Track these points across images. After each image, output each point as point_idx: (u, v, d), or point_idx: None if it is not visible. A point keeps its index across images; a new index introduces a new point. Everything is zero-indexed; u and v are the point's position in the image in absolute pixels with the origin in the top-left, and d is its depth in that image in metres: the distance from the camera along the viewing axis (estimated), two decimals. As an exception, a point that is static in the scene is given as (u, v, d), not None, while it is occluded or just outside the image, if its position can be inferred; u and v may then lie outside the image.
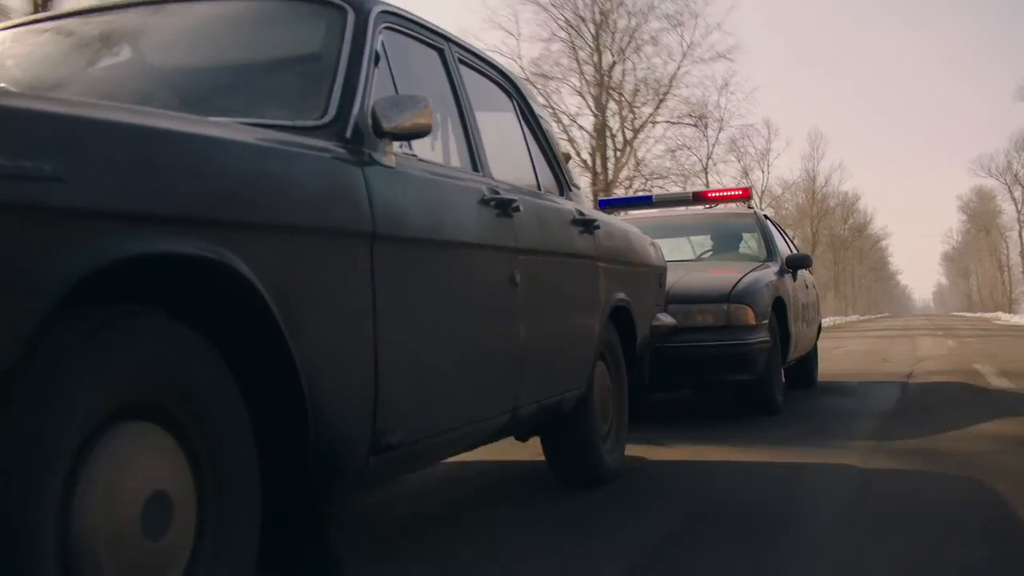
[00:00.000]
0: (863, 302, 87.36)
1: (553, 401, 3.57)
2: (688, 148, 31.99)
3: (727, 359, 5.88)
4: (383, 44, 2.76)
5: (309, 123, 2.40)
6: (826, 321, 30.59)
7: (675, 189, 27.71)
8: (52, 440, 1.50)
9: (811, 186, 60.50)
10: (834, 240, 67.62)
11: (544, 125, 4.14)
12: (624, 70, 30.45)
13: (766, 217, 8.29)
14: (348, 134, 2.44)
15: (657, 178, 29.68)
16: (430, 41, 3.21)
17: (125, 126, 1.74)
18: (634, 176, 29.71)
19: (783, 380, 6.76)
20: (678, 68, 30.75)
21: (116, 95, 2.48)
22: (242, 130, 2.12)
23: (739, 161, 40.18)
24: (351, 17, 2.70)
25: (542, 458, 4.10)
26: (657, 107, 30.64)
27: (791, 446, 5.08)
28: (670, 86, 30.69)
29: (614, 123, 30.40)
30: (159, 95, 2.61)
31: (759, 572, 2.81)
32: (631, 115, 30.60)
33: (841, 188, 69.90)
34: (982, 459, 4.47)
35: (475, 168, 3.23)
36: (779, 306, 6.61)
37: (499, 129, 3.74)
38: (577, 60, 30.03)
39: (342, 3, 2.73)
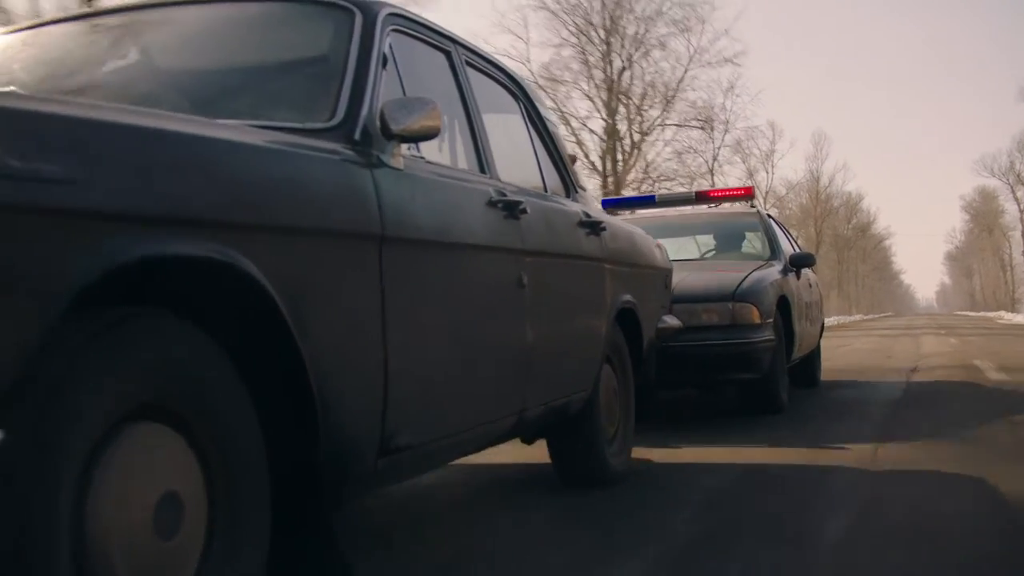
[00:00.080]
0: (866, 301, 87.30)
1: (560, 403, 3.57)
2: (695, 150, 32.55)
3: (732, 358, 5.88)
4: (391, 46, 2.77)
5: (318, 125, 2.41)
6: (830, 320, 30.86)
7: (680, 190, 27.85)
8: (64, 441, 1.50)
9: (815, 186, 60.57)
10: (838, 240, 67.64)
11: (550, 127, 4.14)
12: (632, 75, 31.12)
13: (769, 216, 8.28)
14: (357, 136, 2.44)
15: (664, 180, 30.15)
16: (437, 43, 3.22)
17: (135, 128, 1.75)
18: (643, 179, 30.09)
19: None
20: (685, 72, 31.37)
21: (124, 98, 2.48)
22: (251, 132, 2.13)
23: (744, 163, 40.29)
24: (359, 19, 2.70)
25: (546, 460, 4.11)
26: (664, 110, 31.26)
27: (798, 439, 5.16)
28: (677, 89, 31.32)
29: (622, 126, 30.97)
30: (168, 98, 2.62)
31: (763, 572, 2.81)
32: (639, 118, 31.24)
33: (845, 188, 70.21)
34: (979, 442, 4.98)
35: (482, 170, 3.24)
36: (783, 305, 6.61)
37: (506, 131, 3.74)
38: (587, 65, 30.69)
39: (350, 5, 2.73)
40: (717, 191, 9.26)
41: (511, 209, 3.15)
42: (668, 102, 31.28)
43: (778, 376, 6.31)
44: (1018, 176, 67.46)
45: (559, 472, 4.10)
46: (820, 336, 8.87)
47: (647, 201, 8.95)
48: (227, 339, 1.89)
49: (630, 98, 31.09)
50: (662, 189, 28.72)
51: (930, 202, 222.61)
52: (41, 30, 3.05)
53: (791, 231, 10.32)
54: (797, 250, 8.29)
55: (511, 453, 4.49)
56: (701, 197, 8.63)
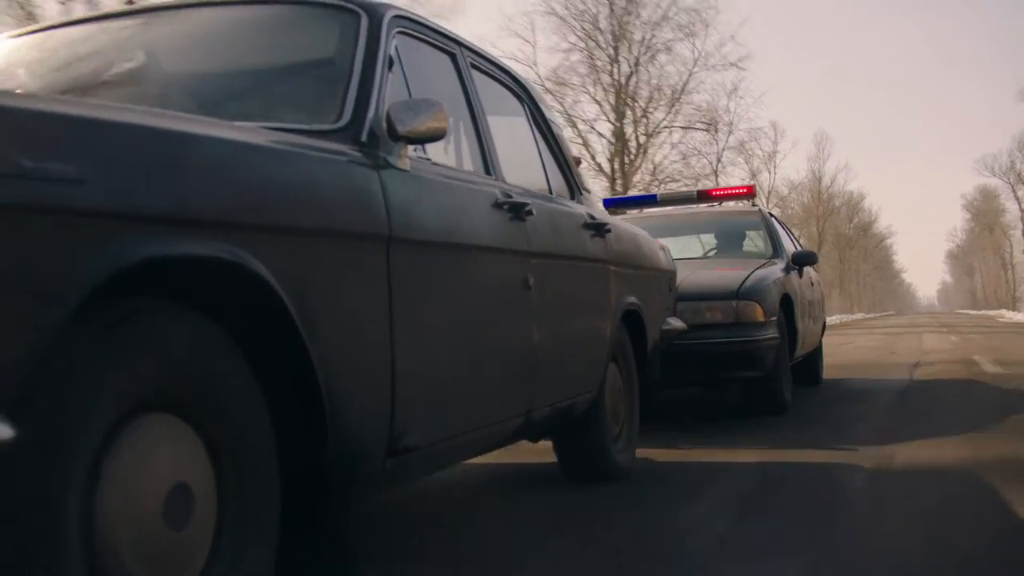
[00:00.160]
0: (868, 300, 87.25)
1: (566, 404, 3.58)
2: (699, 152, 32.99)
3: (736, 356, 5.87)
4: (396, 48, 2.78)
5: (324, 127, 2.42)
6: (832, 319, 31.05)
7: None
8: (74, 434, 1.52)
9: (817, 186, 60.57)
10: (839, 239, 67.64)
11: (555, 129, 4.15)
12: (638, 79, 31.66)
13: (771, 214, 8.29)
14: (363, 138, 2.45)
15: (670, 181, 30.59)
16: (442, 45, 3.23)
17: (144, 129, 1.76)
18: (650, 181, 30.57)
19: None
20: (689, 75, 31.89)
21: (132, 100, 2.49)
22: (260, 133, 2.13)
23: (747, 164, 40.36)
24: (364, 21, 2.71)
25: (551, 458, 4.11)
26: (668, 112, 31.82)
27: (810, 428, 5.30)
28: (682, 92, 31.89)
29: (627, 129, 31.41)
30: (175, 100, 2.63)
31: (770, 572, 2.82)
32: (644, 120, 31.78)
33: (846, 188, 70.10)
34: (975, 424, 5.62)
35: (487, 172, 3.24)
36: (786, 303, 6.61)
37: (510, 133, 3.74)
38: (596, 69, 31.22)
39: (356, 8, 2.74)
40: (719, 190, 9.26)
41: (517, 211, 3.16)
42: (673, 105, 31.86)
43: (782, 374, 6.31)
44: (1019, 175, 67.43)
45: (564, 468, 4.11)
46: (822, 334, 8.89)
47: (649, 200, 8.95)
48: (237, 339, 1.90)
49: (636, 101, 31.59)
50: (665, 190, 28.87)
51: (931, 201, 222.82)
52: (49, 33, 3.05)
53: (793, 230, 10.33)
54: (798, 248, 8.30)
55: (514, 449, 4.49)
56: (703, 196, 8.64)
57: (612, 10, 31.12)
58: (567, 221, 3.72)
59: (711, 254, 8.05)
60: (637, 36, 31.37)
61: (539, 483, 4.25)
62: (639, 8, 31.25)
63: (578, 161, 4.50)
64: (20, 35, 3.13)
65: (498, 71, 3.72)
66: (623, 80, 31.19)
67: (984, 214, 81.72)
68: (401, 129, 2.47)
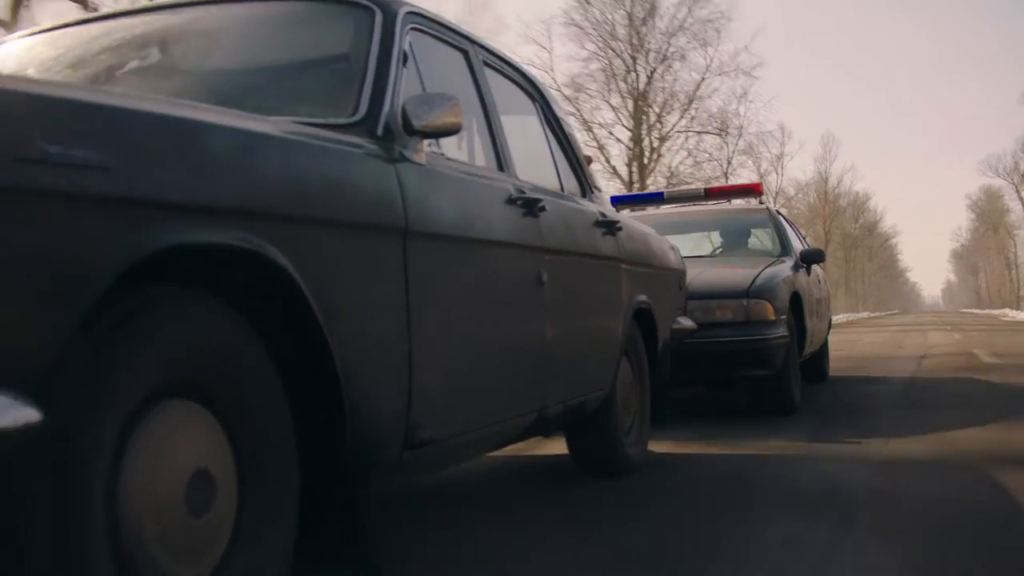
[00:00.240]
0: (873, 299, 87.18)
1: (578, 402, 3.58)
2: (710, 156, 33.86)
3: (746, 354, 5.87)
4: (410, 44, 2.78)
5: (340, 120, 2.42)
6: (839, 318, 31.29)
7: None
8: (98, 419, 1.53)
9: (823, 187, 60.60)
10: (845, 239, 67.66)
11: (566, 128, 4.15)
12: (653, 86, 32.69)
13: (778, 212, 8.28)
14: (379, 132, 2.45)
15: (681, 183, 31.14)
16: (455, 42, 3.23)
17: (167, 118, 1.77)
18: (664, 184, 31.24)
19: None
20: (702, 80, 33.00)
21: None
22: (279, 125, 2.14)
23: (756, 165, 40.61)
24: (379, 17, 2.72)
25: (561, 452, 4.12)
26: (681, 117, 32.97)
27: (816, 414, 5.47)
28: (695, 97, 33.00)
29: (643, 134, 32.28)
30: (192, 95, 2.63)
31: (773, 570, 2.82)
32: (659, 124, 32.86)
33: (852, 188, 70.19)
34: (972, 404, 6.52)
35: (500, 168, 3.25)
36: (795, 301, 6.60)
37: (522, 131, 3.74)
38: (613, 77, 32.45)
39: (370, 4, 2.75)
40: (726, 187, 9.25)
41: (530, 207, 3.16)
42: (687, 110, 33.02)
43: (791, 373, 6.30)
44: (1022, 176, 67.41)
45: (576, 461, 4.12)
46: (828, 332, 8.88)
47: (656, 198, 8.95)
48: (259, 330, 1.92)
49: (651, 106, 32.60)
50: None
51: (936, 201, 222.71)
52: (66, 31, 3.06)
53: (800, 230, 10.35)
54: (806, 246, 8.29)
55: (527, 444, 4.50)
56: (710, 193, 8.64)
57: (631, 20, 32.18)
58: (579, 218, 3.73)
59: (719, 252, 8.04)
60: (654, 45, 32.51)
61: (555, 474, 4.26)
62: (656, 18, 32.41)
63: (589, 160, 4.50)
64: (35, 33, 3.14)
65: (510, 69, 3.72)
66: (642, 87, 32.28)
67: (988, 214, 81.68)
68: (416, 123, 2.48)
